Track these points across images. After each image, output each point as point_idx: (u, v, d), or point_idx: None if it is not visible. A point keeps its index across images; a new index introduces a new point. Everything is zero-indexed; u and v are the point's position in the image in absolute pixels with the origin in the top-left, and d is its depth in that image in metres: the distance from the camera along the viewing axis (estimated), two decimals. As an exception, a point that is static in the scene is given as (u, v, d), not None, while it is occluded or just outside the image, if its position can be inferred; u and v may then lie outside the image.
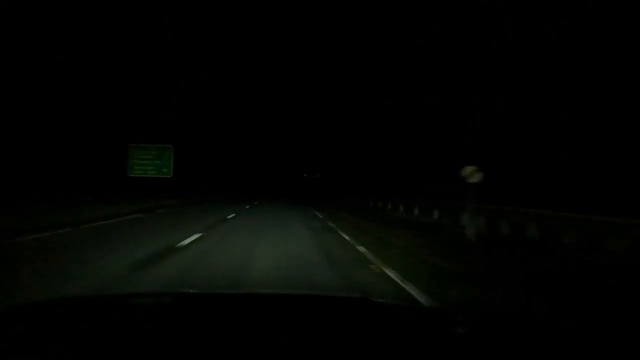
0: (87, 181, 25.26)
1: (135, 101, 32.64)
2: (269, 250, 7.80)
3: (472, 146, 24.69)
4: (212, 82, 49.60)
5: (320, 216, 17.80)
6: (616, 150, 15.02)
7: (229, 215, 16.30)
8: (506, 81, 21.49)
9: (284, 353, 1.15)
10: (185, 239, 8.68)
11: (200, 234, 9.63)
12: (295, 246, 8.39)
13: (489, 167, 22.80)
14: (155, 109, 36.26)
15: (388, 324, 1.54)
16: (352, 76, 52.90)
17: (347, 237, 10.12)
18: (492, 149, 22.64)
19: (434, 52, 29.09)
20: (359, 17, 47.06)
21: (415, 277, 5.45)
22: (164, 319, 1.49)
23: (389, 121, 38.23)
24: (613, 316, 4.05)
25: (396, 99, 35.19)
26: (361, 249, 8.21)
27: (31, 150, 22.40)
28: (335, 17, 58.43)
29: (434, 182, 29.34)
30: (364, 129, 49.20)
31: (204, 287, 5.11)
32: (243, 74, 58.33)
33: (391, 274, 5.80)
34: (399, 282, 5.33)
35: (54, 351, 1.14)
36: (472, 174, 10.96)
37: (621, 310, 4.34)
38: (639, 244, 7.45)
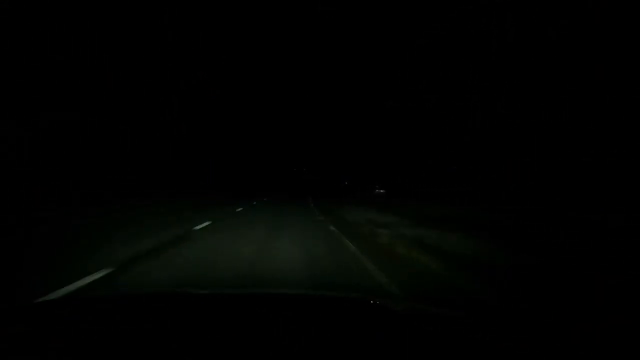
0: (87, 181, 25.26)
1: (135, 101, 32.65)
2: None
3: (472, 146, 24.71)
4: (212, 82, 49.62)
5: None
6: (616, 150, 15.02)
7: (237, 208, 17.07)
8: (506, 81, 21.51)
9: (284, 353, 1.15)
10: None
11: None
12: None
13: (489, 167, 22.89)
14: (155, 109, 36.27)
15: (388, 324, 1.54)
16: (352, 76, 53.01)
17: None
18: (492, 149, 22.66)
19: (434, 52, 29.12)
20: (359, 17, 47.12)
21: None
22: (163, 319, 1.49)
23: (389, 121, 38.28)
24: (613, 316, 4.05)
25: (396, 99, 35.23)
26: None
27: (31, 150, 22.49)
28: (335, 17, 58.47)
29: (434, 182, 29.39)
30: (364, 129, 49.28)
31: (204, 286, 5.11)
32: (243, 74, 58.35)
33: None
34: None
35: (54, 351, 1.14)
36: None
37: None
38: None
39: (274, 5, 64.19)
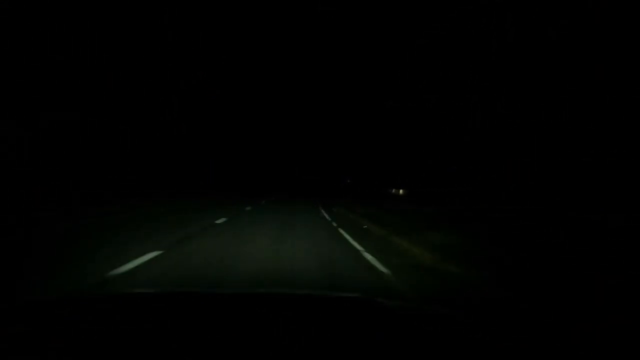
0: (87, 181, 25.26)
1: (135, 101, 32.64)
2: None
3: (472, 146, 24.70)
4: (212, 82, 49.58)
5: None
6: (616, 150, 15.02)
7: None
8: (506, 81, 21.50)
9: (284, 353, 1.15)
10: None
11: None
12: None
13: (489, 167, 22.88)
14: (155, 109, 36.26)
15: (388, 324, 1.54)
16: (352, 76, 52.96)
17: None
18: (492, 149, 22.66)
19: (434, 52, 29.11)
20: (359, 17, 47.06)
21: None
22: (163, 319, 1.49)
23: (389, 121, 38.27)
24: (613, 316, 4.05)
25: (396, 99, 35.22)
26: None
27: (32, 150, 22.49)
28: (335, 17, 58.42)
29: (434, 182, 29.38)
30: (364, 129, 49.27)
31: (204, 286, 5.10)
32: (243, 74, 58.29)
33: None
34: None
35: (54, 351, 1.14)
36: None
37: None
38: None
39: (274, 5, 64.17)
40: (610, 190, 14.22)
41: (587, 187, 15.30)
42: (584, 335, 3.30)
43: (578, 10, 16.84)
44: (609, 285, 5.07)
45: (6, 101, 20.89)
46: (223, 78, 52.17)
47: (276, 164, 76.83)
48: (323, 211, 20.75)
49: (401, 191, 35.50)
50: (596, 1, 16.16)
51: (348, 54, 53.95)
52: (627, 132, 14.66)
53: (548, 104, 18.54)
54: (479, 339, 1.37)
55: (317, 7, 55.46)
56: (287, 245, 8.50)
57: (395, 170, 38.37)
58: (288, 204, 27.06)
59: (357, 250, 8.24)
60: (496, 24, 22.34)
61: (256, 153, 69.58)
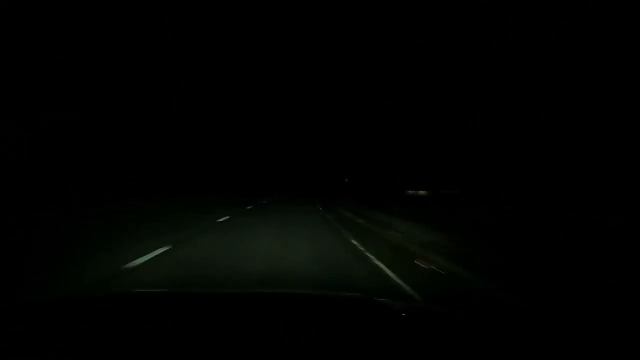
0: (87, 181, 25.26)
1: (135, 101, 32.63)
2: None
3: (472, 146, 24.69)
4: (212, 82, 49.59)
5: None
6: (616, 150, 15.02)
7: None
8: (506, 81, 21.50)
9: (284, 353, 1.15)
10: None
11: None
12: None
13: (489, 167, 22.85)
14: (155, 109, 36.25)
15: (388, 324, 1.54)
16: (352, 76, 53.02)
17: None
18: (492, 149, 22.65)
19: (434, 52, 29.11)
20: (359, 17, 47.12)
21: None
22: (163, 319, 1.49)
23: (389, 121, 38.28)
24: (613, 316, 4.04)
25: (396, 99, 35.23)
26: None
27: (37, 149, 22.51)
28: (335, 17, 58.44)
29: (434, 182, 29.38)
30: (364, 129, 49.31)
31: (204, 286, 5.11)
32: (243, 74, 58.29)
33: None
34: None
35: (54, 351, 1.14)
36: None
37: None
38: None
39: (274, 5, 64.14)
40: (610, 190, 14.21)
41: (587, 187, 15.30)
42: (584, 335, 3.30)
43: (578, 10, 16.84)
44: (609, 285, 5.06)
45: (6, 101, 20.88)
46: (223, 78, 52.19)
47: (276, 164, 76.82)
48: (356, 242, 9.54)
49: (421, 192, 31.07)
50: (596, 1, 16.16)
51: (348, 54, 54.03)
52: (627, 132, 14.65)
53: (548, 104, 18.53)
54: (479, 339, 1.37)
55: (317, 7, 55.48)
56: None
57: (398, 170, 38.31)
58: (288, 206, 26.98)
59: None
60: (496, 24, 22.34)
61: (256, 153, 69.56)
